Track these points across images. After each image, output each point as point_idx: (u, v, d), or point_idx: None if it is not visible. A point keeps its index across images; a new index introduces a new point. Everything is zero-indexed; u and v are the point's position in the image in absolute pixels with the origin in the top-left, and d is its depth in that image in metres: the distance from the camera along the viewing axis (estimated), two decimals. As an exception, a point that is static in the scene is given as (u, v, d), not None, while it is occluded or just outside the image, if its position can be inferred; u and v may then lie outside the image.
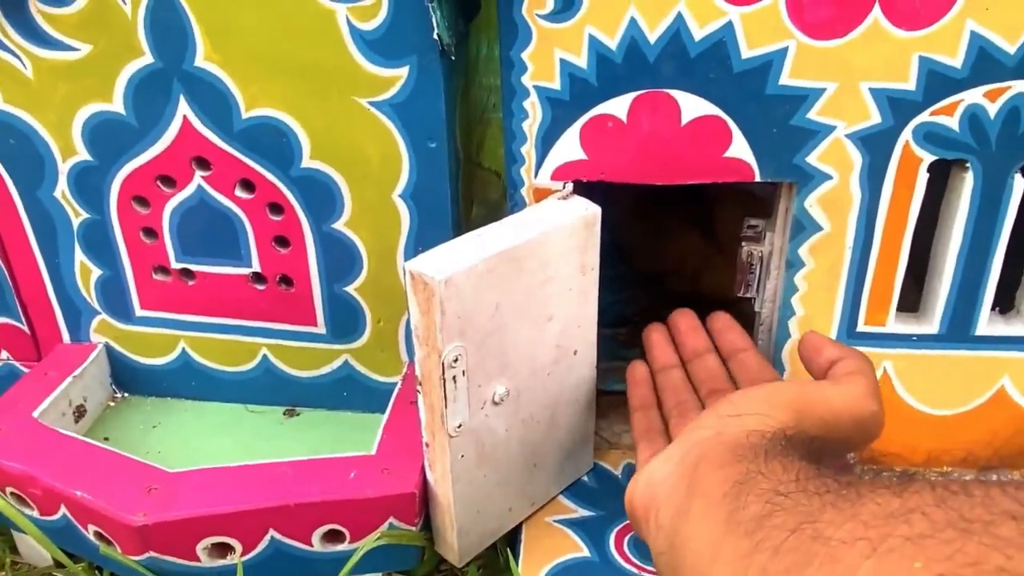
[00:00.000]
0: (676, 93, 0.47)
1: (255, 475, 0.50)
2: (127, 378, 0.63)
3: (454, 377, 0.45)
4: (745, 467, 0.35)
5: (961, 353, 0.53)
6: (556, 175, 0.51)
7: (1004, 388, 0.54)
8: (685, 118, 0.48)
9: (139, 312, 0.60)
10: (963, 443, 0.57)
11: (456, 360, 0.45)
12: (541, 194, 0.51)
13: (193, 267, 0.58)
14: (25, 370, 0.63)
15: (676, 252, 0.76)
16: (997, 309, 0.54)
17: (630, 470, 0.60)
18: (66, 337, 0.62)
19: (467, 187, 0.60)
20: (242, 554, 0.49)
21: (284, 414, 0.63)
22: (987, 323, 0.53)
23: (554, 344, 0.51)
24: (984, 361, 0.54)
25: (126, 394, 0.64)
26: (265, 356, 0.61)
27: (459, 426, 0.47)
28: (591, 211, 0.49)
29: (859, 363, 0.43)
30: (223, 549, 0.49)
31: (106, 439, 0.59)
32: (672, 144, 0.49)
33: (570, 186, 0.51)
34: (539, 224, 0.47)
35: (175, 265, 0.58)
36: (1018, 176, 0.47)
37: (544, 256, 0.47)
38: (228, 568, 0.49)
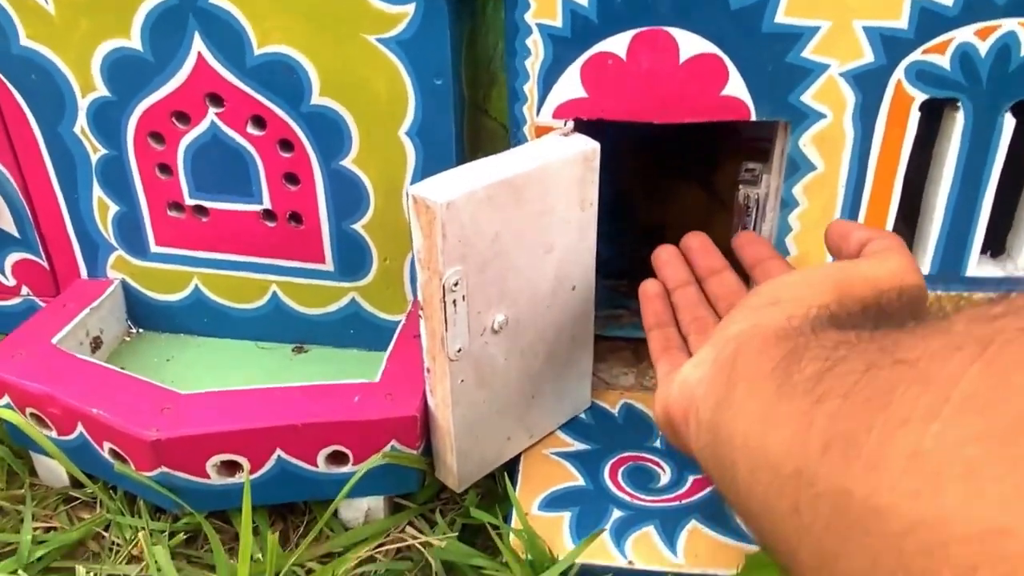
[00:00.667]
0: (674, 31, 0.49)
1: (264, 397, 0.52)
2: (142, 314, 0.66)
3: (454, 301, 0.47)
4: (792, 342, 0.30)
5: (952, 294, 0.55)
6: (557, 113, 0.52)
7: (993, 330, 0.56)
8: (683, 56, 0.49)
9: (154, 248, 0.62)
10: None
11: (456, 284, 0.46)
12: (543, 132, 0.53)
13: (206, 203, 0.60)
14: (44, 305, 0.66)
15: (678, 206, 0.78)
16: (989, 253, 0.55)
17: (627, 409, 0.61)
18: (84, 273, 0.65)
19: (473, 134, 0.62)
20: (250, 472, 0.51)
21: (293, 351, 0.65)
22: (977, 265, 0.54)
23: (553, 276, 0.52)
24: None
25: (141, 330, 0.66)
26: (275, 293, 0.63)
27: (459, 350, 0.49)
28: (590, 147, 0.50)
29: (892, 240, 0.40)
30: (232, 467, 0.52)
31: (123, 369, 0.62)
32: (670, 82, 0.50)
33: (571, 124, 0.52)
34: (540, 157, 0.48)
35: (189, 201, 0.60)
36: (1008, 115, 0.49)
37: (544, 187, 0.49)
38: (236, 486, 0.51)
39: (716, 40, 0.49)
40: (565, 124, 0.52)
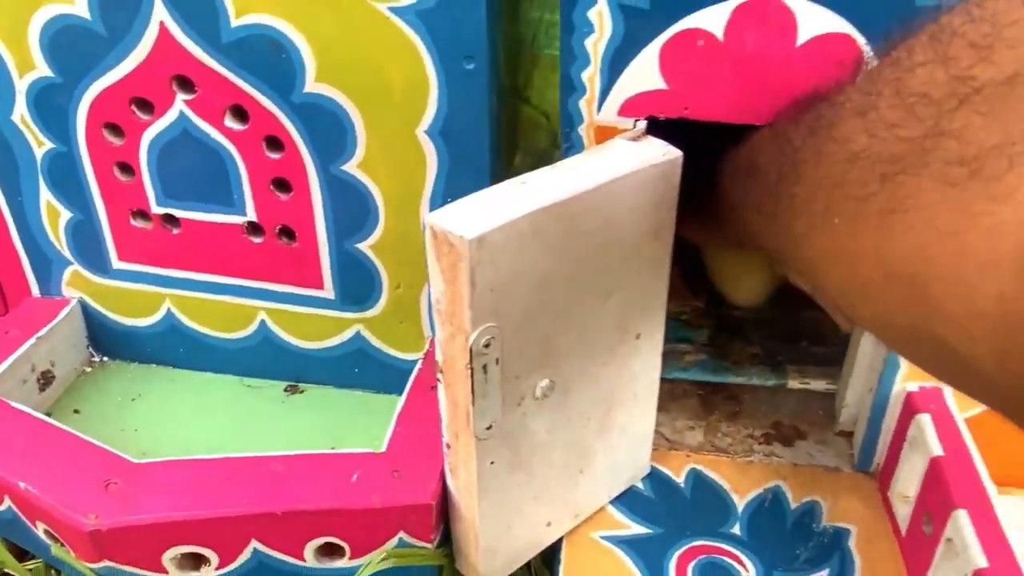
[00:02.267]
0: (792, 1, 0.36)
1: (237, 471, 0.41)
2: (106, 340, 0.54)
3: (484, 366, 0.35)
4: None
5: None
6: (625, 109, 0.40)
7: None
8: (802, 35, 0.36)
9: (117, 264, 0.51)
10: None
11: (488, 345, 0.34)
12: (604, 133, 0.40)
13: (177, 213, 0.48)
14: (-9, 326, 0.55)
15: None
16: None
17: (696, 478, 0.49)
18: (35, 290, 0.53)
19: (511, 128, 0.50)
20: (218, 567, 0.40)
21: (285, 390, 0.53)
22: None
23: (613, 326, 0.40)
24: None
25: (105, 358, 0.55)
26: (263, 322, 0.51)
27: (489, 427, 0.37)
28: (671, 157, 0.38)
29: None
30: (196, 560, 0.40)
31: (76, 412, 0.51)
32: (783, 70, 0.37)
33: (642, 124, 0.40)
34: (603, 171, 0.36)
35: (156, 209, 0.48)
36: None
37: (608, 213, 0.36)
38: (202, 583, 0.40)
39: (849, 15, 0.35)
40: (635, 124, 0.40)
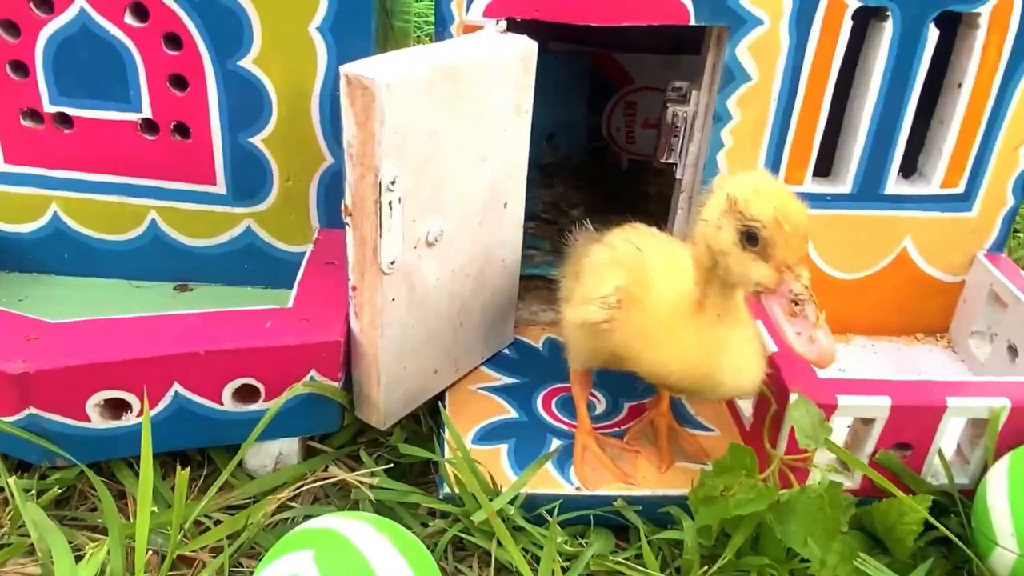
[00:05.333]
0: (619, -77, 0.46)
1: (157, 323, 0.44)
2: (-17, 250, 0.55)
3: (390, 203, 0.42)
4: None
5: (870, 213, 0.55)
6: (489, 11, 0.48)
7: (906, 250, 0.57)
8: (625, -48, 0.47)
9: (3, 167, 0.52)
10: (869, 306, 0.59)
11: (393, 182, 0.41)
12: (471, 32, 0.49)
13: (71, 111, 0.51)
14: None
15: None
16: (901, 174, 0.57)
17: (551, 343, 0.58)
18: (-92, 198, 0.53)
19: (384, 40, 0.57)
20: (140, 412, 0.43)
21: (175, 289, 0.57)
22: (895, 183, 0.55)
23: (487, 188, 0.48)
24: (890, 221, 0.56)
25: (-19, 269, 0.56)
26: (154, 221, 0.54)
27: (392, 262, 0.44)
28: (529, 46, 0.47)
29: None
30: (118, 407, 0.44)
31: (-40, 312, 0.51)
32: (609, -20, 0.47)
33: (503, 23, 0.49)
34: (479, 50, 0.44)
35: (49, 108, 0.50)
36: (932, 27, 0.50)
37: (482, 83, 0.45)
38: (122, 430, 0.44)
39: (659, -65, 0.46)
40: (497, 23, 0.49)
